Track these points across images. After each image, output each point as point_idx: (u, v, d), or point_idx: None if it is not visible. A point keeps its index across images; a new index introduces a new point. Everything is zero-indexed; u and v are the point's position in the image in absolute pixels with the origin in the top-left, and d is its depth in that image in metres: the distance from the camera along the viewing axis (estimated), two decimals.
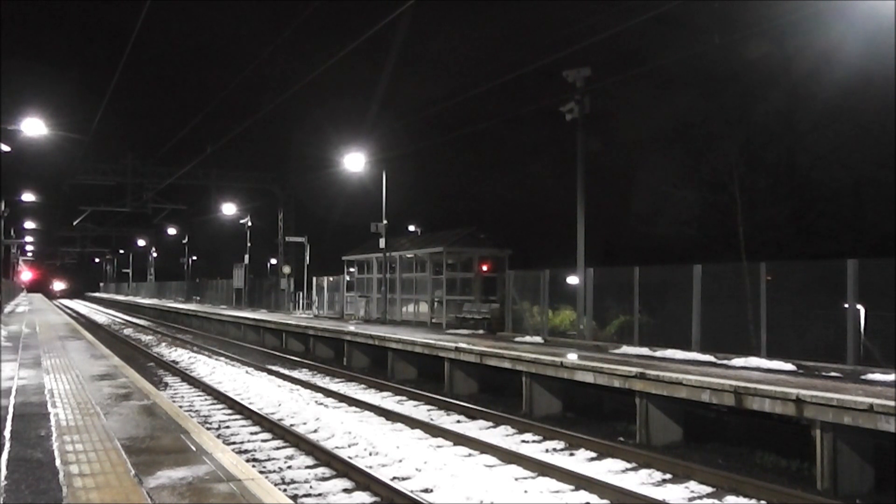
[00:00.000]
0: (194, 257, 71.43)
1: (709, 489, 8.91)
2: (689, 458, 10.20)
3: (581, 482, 8.89)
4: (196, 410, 14.11)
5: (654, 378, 11.39)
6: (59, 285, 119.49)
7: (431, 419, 13.17)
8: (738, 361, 13.25)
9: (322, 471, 9.50)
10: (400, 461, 10.01)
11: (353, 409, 14.30)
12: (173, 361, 22.47)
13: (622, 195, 34.60)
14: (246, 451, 10.53)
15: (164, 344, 29.51)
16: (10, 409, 7.91)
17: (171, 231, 64.25)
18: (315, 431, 12.03)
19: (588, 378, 12.72)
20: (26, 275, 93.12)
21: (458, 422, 13.08)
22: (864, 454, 9.21)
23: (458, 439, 11.28)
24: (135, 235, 76.95)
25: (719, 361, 13.53)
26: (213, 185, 46.58)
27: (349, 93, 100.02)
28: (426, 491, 8.59)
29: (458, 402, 14.39)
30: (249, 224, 45.36)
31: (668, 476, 9.46)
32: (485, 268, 25.24)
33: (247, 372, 20.15)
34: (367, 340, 20.79)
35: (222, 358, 23.61)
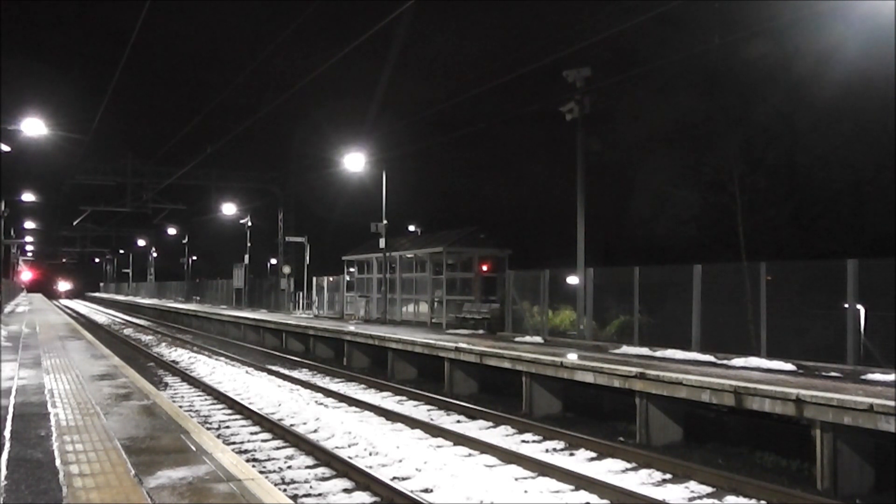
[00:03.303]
0: (194, 257, 71.44)
1: (709, 489, 8.91)
2: (689, 458, 10.20)
3: (581, 482, 8.89)
4: (196, 410, 14.11)
5: (654, 378, 11.39)
6: (63, 285, 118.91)
7: (431, 419, 13.17)
8: (738, 361, 13.25)
9: (322, 471, 9.50)
10: (400, 461, 10.01)
11: (353, 409, 14.30)
12: (173, 361, 22.47)
13: (622, 195, 34.61)
14: (246, 451, 10.53)
15: (164, 344, 29.52)
16: (10, 409, 7.91)
17: (171, 231, 64.23)
18: (315, 431, 12.03)
19: (588, 378, 12.73)
20: (26, 275, 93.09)
21: (458, 422, 13.09)
22: (864, 454, 9.21)
23: (458, 439, 11.28)
24: (135, 235, 76.99)
25: (719, 361, 13.52)
26: (213, 185, 46.60)
27: (349, 93, 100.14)
28: (426, 491, 8.60)
29: (458, 402, 14.40)
30: (249, 224, 45.34)
31: (668, 476, 9.46)
32: (485, 268, 25.23)
33: (247, 372, 20.15)
34: (367, 340, 20.79)
35: (222, 358, 23.61)
